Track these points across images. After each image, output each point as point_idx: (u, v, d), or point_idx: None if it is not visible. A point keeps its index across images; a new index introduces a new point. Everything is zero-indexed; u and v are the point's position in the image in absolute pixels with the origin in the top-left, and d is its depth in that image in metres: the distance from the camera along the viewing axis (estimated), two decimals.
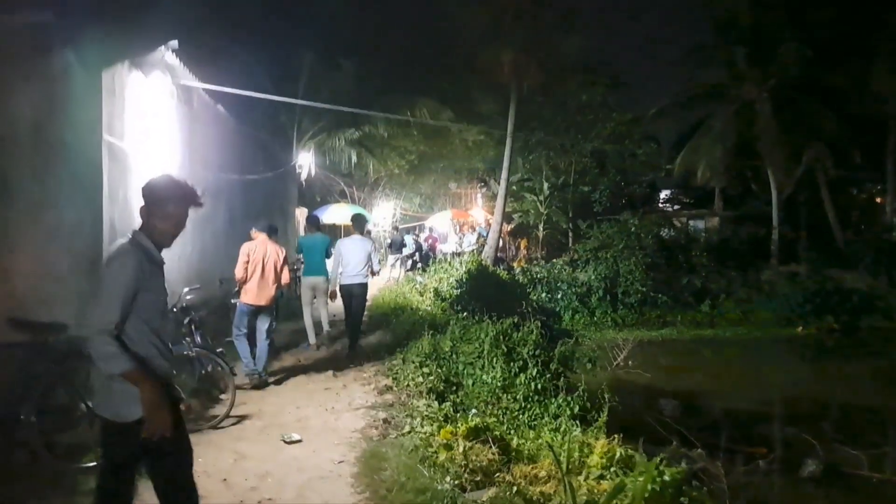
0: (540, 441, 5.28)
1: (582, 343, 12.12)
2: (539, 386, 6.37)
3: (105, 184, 5.42)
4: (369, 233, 14.63)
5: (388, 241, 21.01)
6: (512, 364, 6.91)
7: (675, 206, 28.49)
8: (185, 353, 5.51)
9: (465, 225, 27.82)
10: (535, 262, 20.45)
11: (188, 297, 6.09)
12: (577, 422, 5.70)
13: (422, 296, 14.05)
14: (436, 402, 5.79)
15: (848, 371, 10.59)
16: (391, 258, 18.54)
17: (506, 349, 7.22)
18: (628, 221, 17.43)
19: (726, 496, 4.45)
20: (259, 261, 6.73)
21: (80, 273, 5.13)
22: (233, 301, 6.91)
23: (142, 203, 2.63)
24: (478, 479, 4.11)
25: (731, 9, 18.69)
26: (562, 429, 5.60)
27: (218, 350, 6.06)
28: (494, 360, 7.03)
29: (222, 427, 5.36)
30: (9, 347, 4.41)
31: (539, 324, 7.99)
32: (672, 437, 6.30)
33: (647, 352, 11.28)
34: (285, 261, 6.94)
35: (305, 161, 17.08)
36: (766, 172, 18.75)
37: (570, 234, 24.81)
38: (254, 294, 6.71)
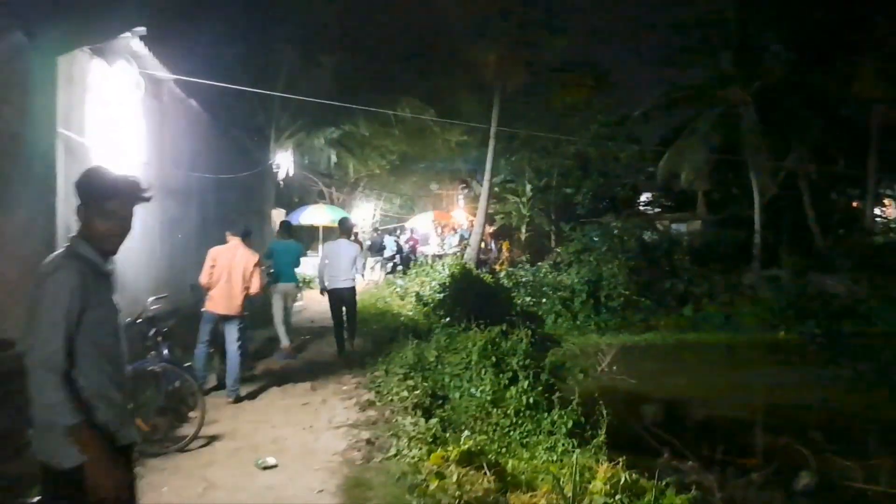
0: (535, 462, 4.96)
1: (566, 349, 11.91)
2: (531, 400, 6.07)
3: (60, 182, 4.93)
4: (356, 235, 14.24)
5: (368, 243, 20.63)
6: (501, 376, 6.59)
7: (658, 209, 28.43)
8: (151, 368, 5.05)
9: (446, 226, 27.47)
10: (518, 264, 20.18)
11: (154, 307, 5.60)
12: (574, 440, 5.40)
13: (402, 300, 13.65)
14: (422, 420, 5.41)
15: (831, 377, 10.51)
16: (370, 261, 18.41)
17: (494, 360, 6.90)
18: (611, 224, 17.20)
19: None
20: (226, 266, 6.30)
21: (30, 281, 4.60)
22: (203, 309, 6.44)
23: (77, 202, 2.19)
24: None
25: (717, 11, 18.63)
26: (558, 448, 5.28)
27: (186, 364, 5.61)
28: (483, 371, 6.71)
29: (190, 449, 4.92)
30: None
31: (529, 332, 7.68)
32: (662, 449, 6.07)
33: (631, 357, 11.13)
34: (256, 266, 6.48)
35: (283, 161, 16.53)
36: (749, 176, 18.73)
37: (553, 236, 24.62)
38: (218, 301, 6.29)
